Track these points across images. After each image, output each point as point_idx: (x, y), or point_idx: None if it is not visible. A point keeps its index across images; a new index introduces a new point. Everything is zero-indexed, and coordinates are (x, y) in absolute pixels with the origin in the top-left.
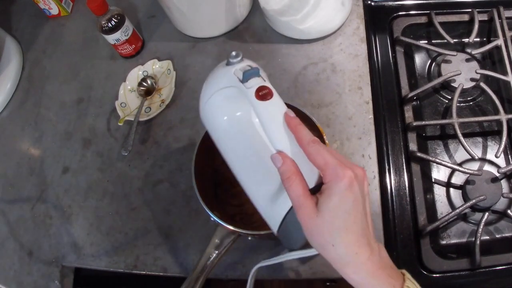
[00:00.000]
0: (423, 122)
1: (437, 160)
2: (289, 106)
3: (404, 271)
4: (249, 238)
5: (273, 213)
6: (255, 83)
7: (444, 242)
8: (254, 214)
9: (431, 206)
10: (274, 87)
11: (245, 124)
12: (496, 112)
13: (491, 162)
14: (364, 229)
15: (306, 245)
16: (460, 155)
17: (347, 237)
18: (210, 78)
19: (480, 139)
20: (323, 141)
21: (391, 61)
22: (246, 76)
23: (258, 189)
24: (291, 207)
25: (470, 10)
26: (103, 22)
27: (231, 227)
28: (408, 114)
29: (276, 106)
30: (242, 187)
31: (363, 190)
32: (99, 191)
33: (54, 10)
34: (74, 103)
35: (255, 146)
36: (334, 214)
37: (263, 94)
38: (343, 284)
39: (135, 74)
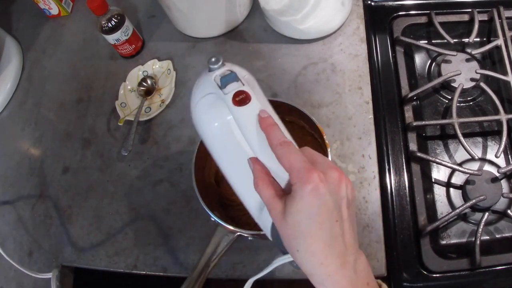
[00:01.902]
0: (423, 122)
1: (437, 160)
2: (288, 106)
3: (383, 285)
4: (249, 238)
5: (263, 219)
6: (232, 88)
7: (444, 242)
8: None
9: (431, 206)
10: (274, 87)
11: (226, 132)
12: (496, 112)
13: (491, 162)
14: (334, 238)
15: None
16: (460, 155)
17: (312, 245)
18: (195, 85)
19: (480, 139)
20: (323, 141)
21: (391, 61)
22: (224, 82)
23: (247, 196)
24: None
25: (470, 10)
26: (103, 22)
27: (231, 227)
28: (408, 114)
29: (253, 110)
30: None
31: (337, 194)
32: (99, 191)
33: (54, 10)
34: (74, 103)
35: (237, 153)
36: (297, 219)
37: (240, 99)
38: None
39: (135, 74)
